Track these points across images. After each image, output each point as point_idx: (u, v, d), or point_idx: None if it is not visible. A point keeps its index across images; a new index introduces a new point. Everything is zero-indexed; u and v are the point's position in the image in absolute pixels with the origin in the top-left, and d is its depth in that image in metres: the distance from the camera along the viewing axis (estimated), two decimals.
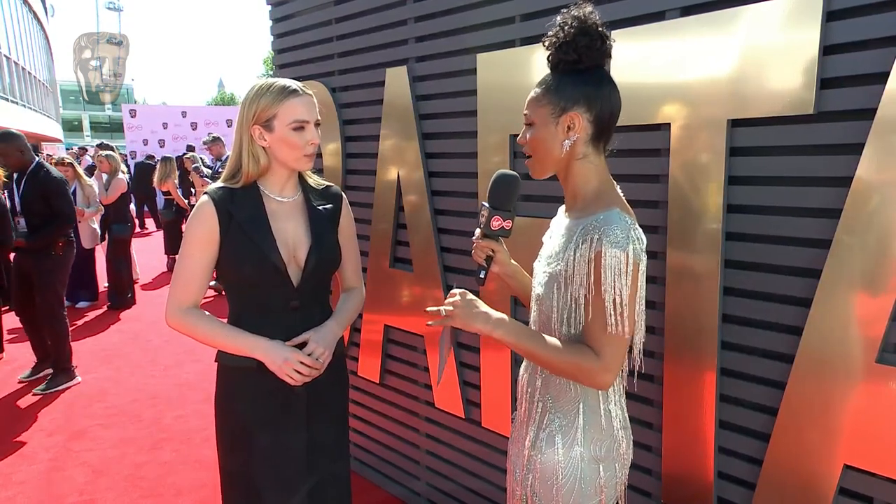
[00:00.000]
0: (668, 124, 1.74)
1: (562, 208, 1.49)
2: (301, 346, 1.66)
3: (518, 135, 1.44)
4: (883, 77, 1.39)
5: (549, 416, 1.39)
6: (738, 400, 1.71)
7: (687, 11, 1.70)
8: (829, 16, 1.46)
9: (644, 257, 1.27)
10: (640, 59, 1.78)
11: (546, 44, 1.33)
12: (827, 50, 1.47)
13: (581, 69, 1.30)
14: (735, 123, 1.63)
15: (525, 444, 1.44)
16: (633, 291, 1.24)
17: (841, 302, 1.48)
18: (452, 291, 1.36)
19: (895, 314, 1.41)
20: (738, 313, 1.68)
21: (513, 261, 1.59)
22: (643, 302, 1.30)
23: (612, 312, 1.23)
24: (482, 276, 1.51)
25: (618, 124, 1.83)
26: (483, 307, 1.32)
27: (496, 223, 1.48)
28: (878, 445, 1.45)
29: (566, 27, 1.28)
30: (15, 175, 4.38)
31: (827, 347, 1.51)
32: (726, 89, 1.61)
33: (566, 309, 1.31)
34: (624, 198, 1.38)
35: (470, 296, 1.33)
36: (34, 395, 4.41)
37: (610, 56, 1.32)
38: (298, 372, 1.60)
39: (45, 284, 4.46)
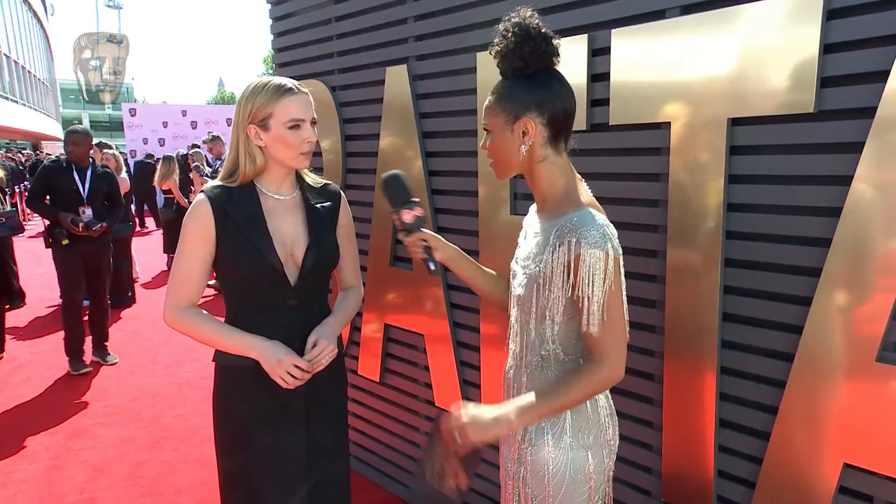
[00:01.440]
0: (669, 123, 1.74)
1: (533, 207, 1.52)
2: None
3: None
4: (883, 76, 1.39)
5: None
6: (739, 399, 1.71)
7: (687, 10, 1.69)
8: (830, 14, 1.46)
9: (620, 251, 1.29)
10: (640, 58, 1.77)
11: (492, 53, 1.34)
12: (827, 48, 1.47)
13: (529, 74, 1.32)
14: (735, 122, 1.63)
15: (514, 439, 1.45)
16: (618, 286, 1.27)
17: (841, 301, 1.48)
18: (449, 416, 1.34)
19: (895, 313, 1.41)
20: (739, 312, 1.68)
21: (450, 244, 1.62)
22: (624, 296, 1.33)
23: (599, 311, 1.26)
24: (432, 267, 1.57)
25: (618, 123, 1.85)
26: (489, 412, 1.30)
27: (407, 216, 1.55)
28: (877, 444, 1.45)
29: (508, 35, 1.29)
30: (74, 168, 4.70)
31: (827, 346, 1.51)
32: (726, 88, 1.61)
33: (546, 308, 1.34)
34: (591, 194, 1.41)
35: (470, 409, 1.32)
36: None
37: (557, 55, 1.33)
38: (291, 375, 1.58)
39: (109, 270, 5.13)
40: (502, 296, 1.63)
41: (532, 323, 1.37)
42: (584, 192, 1.38)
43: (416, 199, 1.57)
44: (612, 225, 1.30)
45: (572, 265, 1.26)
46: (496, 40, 1.33)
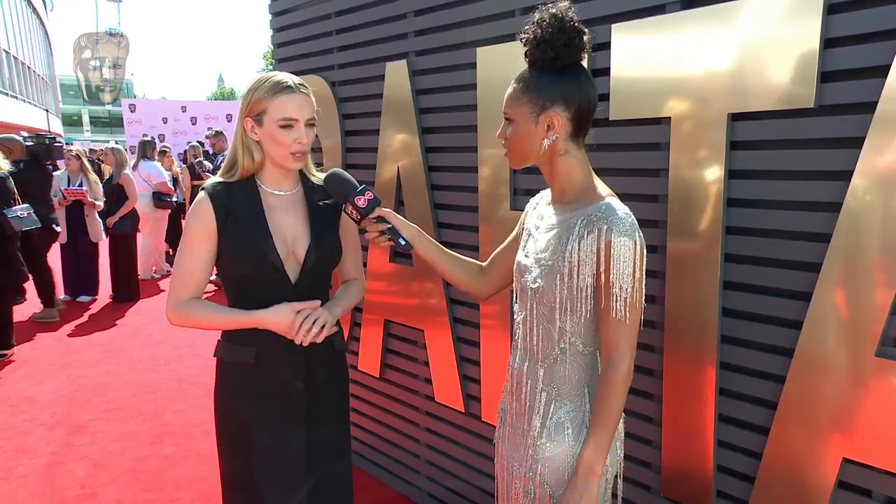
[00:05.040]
0: (669, 118, 1.74)
1: (535, 202, 1.53)
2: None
3: None
4: (884, 70, 1.38)
5: (555, 404, 1.40)
6: (738, 394, 1.71)
7: (687, 5, 1.69)
8: (830, 9, 1.46)
9: (644, 242, 1.31)
10: (640, 53, 1.77)
11: (524, 40, 1.34)
12: (828, 43, 1.47)
13: (559, 66, 1.32)
14: (735, 117, 1.62)
15: (528, 435, 1.43)
16: (642, 276, 1.29)
17: (840, 296, 1.48)
18: None
19: (895, 308, 1.41)
20: (738, 307, 1.68)
21: (411, 223, 1.63)
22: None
23: (623, 299, 1.27)
24: (402, 243, 1.58)
25: (618, 118, 1.85)
26: (574, 487, 1.30)
27: (361, 202, 1.57)
28: (877, 439, 1.45)
29: (544, 24, 1.29)
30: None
31: (826, 341, 1.51)
32: (727, 83, 1.61)
33: (570, 299, 1.34)
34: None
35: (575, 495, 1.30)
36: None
37: (587, 52, 1.33)
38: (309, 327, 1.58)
39: None
40: (469, 280, 1.65)
41: (555, 315, 1.37)
42: (602, 184, 1.39)
43: (364, 185, 1.59)
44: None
45: (602, 253, 1.27)
46: (529, 28, 1.32)
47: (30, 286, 7.04)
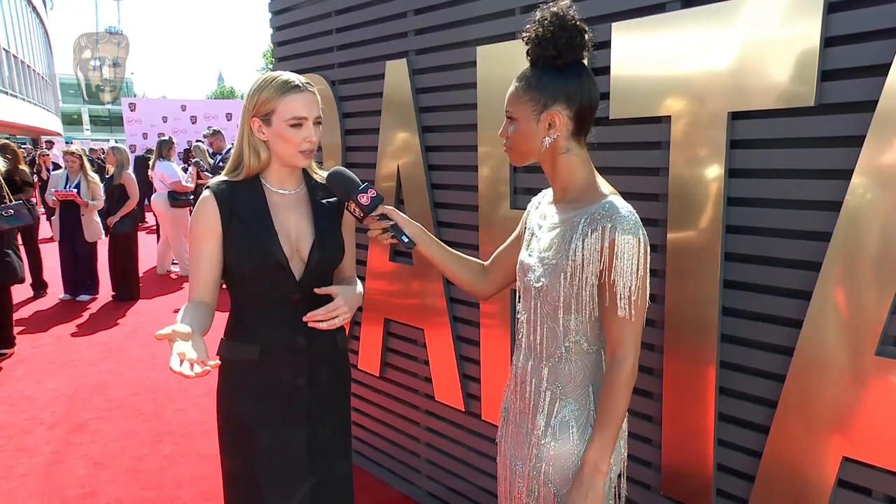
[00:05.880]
0: (669, 117, 1.74)
1: (537, 201, 1.54)
2: (322, 300, 1.62)
3: None
4: (884, 69, 1.38)
5: (559, 403, 1.40)
6: (738, 393, 1.71)
7: (688, 3, 1.69)
8: (830, 7, 1.45)
9: (648, 239, 1.31)
10: (640, 52, 1.77)
11: (525, 39, 1.35)
12: (828, 42, 1.47)
13: (560, 65, 1.33)
14: (735, 116, 1.62)
15: (532, 434, 1.43)
16: (646, 274, 1.30)
17: (841, 295, 1.48)
18: None
19: (894, 307, 1.41)
20: (738, 306, 1.68)
21: (413, 221, 1.64)
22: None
23: (628, 297, 1.27)
24: (405, 240, 1.58)
25: (618, 117, 1.85)
26: (580, 486, 1.30)
27: (365, 199, 1.58)
28: (877, 438, 1.45)
29: (546, 23, 1.30)
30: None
31: (826, 340, 1.51)
32: (727, 82, 1.61)
33: (574, 297, 1.34)
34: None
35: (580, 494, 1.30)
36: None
37: (589, 50, 1.34)
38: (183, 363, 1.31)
39: None
40: (471, 279, 1.65)
41: (559, 314, 1.37)
42: (605, 182, 1.39)
43: (367, 182, 1.60)
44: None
45: (606, 251, 1.28)
46: (530, 27, 1.33)
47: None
